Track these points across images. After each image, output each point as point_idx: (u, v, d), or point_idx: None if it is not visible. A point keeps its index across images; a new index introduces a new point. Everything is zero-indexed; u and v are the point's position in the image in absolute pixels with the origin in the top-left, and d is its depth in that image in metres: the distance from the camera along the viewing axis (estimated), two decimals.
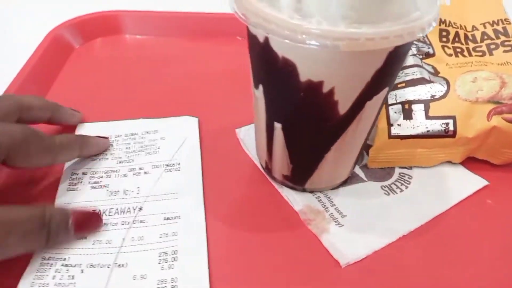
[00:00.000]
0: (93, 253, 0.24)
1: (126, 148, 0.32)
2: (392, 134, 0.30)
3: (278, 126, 0.25)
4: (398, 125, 0.30)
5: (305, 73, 0.21)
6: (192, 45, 0.45)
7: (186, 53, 0.44)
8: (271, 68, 0.22)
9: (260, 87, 0.25)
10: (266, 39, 0.21)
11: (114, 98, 0.37)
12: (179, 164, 0.31)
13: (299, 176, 0.28)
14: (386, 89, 0.24)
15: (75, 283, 0.23)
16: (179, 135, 0.33)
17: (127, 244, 0.25)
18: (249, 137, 0.33)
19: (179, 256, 0.25)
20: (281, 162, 0.28)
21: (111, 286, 0.23)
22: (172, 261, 0.24)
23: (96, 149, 0.31)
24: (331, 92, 0.22)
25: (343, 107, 0.23)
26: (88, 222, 0.26)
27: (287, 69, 0.21)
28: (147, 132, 0.33)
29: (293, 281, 0.24)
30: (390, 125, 0.30)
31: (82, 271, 0.23)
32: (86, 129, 0.33)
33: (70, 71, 0.40)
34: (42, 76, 0.38)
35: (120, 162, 0.31)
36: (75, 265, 0.24)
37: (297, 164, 0.27)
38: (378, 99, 0.23)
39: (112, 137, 0.33)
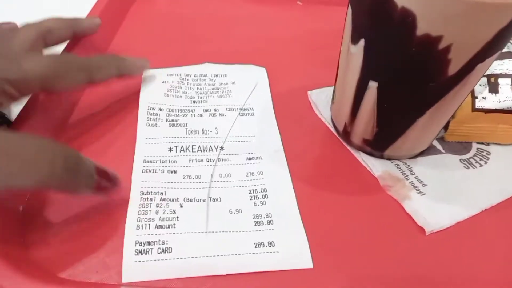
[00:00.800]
0: (186, 187, 0.25)
1: (198, 88, 0.32)
2: (476, 107, 0.29)
3: (373, 85, 0.24)
4: (483, 98, 0.29)
5: (424, 27, 0.20)
6: (252, 7, 0.44)
7: (248, 14, 0.43)
8: (383, 20, 0.21)
9: (361, 42, 0.24)
10: None
11: (176, 49, 0.37)
12: (252, 110, 0.31)
13: (382, 141, 0.27)
14: (498, 53, 0.22)
15: (178, 217, 0.23)
16: (249, 81, 0.33)
17: (216, 180, 0.26)
18: (321, 100, 0.32)
19: (268, 194, 0.25)
20: (366, 125, 0.27)
21: (211, 218, 0.24)
22: (263, 198, 0.25)
23: (134, 68, 0.31)
24: (447, 49, 0.21)
25: (454, 67, 0.22)
26: (107, 177, 0.23)
27: (404, 21, 0.20)
28: (216, 75, 0.33)
29: (377, 244, 0.24)
30: (474, 97, 0.29)
31: (181, 205, 0.24)
32: (152, 74, 0.33)
33: (132, 23, 0.40)
34: (106, 25, 0.37)
35: (193, 101, 0.31)
36: (173, 199, 0.24)
37: (384, 129, 0.26)
38: (488, 62, 0.22)
39: (181, 75, 0.33)
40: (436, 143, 0.30)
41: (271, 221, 0.24)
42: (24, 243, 0.22)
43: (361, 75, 0.25)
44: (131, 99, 0.31)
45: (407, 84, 0.23)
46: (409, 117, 0.25)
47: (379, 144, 0.28)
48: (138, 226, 0.23)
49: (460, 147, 0.30)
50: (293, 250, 0.23)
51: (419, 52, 0.21)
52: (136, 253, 0.22)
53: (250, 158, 0.28)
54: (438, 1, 0.19)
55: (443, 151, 0.30)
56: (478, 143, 0.31)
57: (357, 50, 0.24)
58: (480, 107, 0.29)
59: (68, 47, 0.32)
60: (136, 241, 0.22)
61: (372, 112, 0.26)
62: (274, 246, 0.23)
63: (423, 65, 0.22)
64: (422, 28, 0.20)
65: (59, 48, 0.32)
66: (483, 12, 0.19)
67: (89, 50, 0.34)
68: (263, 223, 0.24)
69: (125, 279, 0.21)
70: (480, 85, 0.29)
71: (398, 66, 0.23)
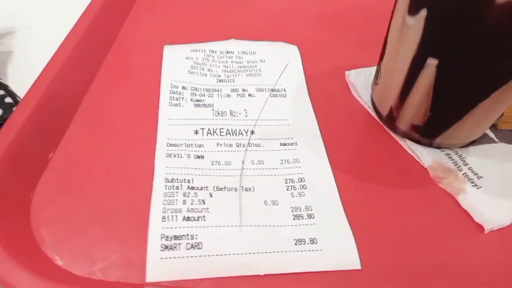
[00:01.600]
0: (215, 175, 0.22)
1: (224, 66, 0.29)
2: None
3: (432, 63, 0.21)
4: None
5: None
6: None
7: None
8: None
9: (422, 12, 0.20)
10: None
11: (199, 23, 0.34)
12: (284, 90, 0.28)
13: (435, 127, 0.24)
14: None
15: (207, 208, 0.21)
16: (280, 59, 0.30)
17: (248, 167, 0.23)
18: (360, 81, 0.29)
19: (307, 184, 0.23)
20: (417, 109, 0.24)
21: (245, 210, 0.21)
22: (301, 189, 0.22)
23: None
24: None
25: None
26: None
27: None
28: (244, 52, 0.30)
29: (431, 242, 0.21)
30: None
31: (210, 195, 0.21)
32: (174, 50, 0.30)
33: None
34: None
35: (219, 80, 0.28)
36: (201, 187, 0.21)
37: (439, 113, 0.23)
38: None
39: (206, 51, 0.30)
40: (488, 131, 0.27)
41: (312, 215, 0.21)
42: (36, 239, 0.20)
43: (418, 51, 0.22)
44: (152, 77, 0.28)
45: (474, 62, 0.20)
46: (471, 101, 0.22)
47: (430, 130, 0.25)
48: (164, 218, 0.20)
49: None
50: (338, 249, 0.20)
51: (497, 22, 0.18)
52: (162, 249, 0.19)
53: (285, 144, 0.25)
54: None
55: (496, 139, 0.27)
56: None
57: (416, 22, 0.21)
58: None
59: (84, 17, 0.29)
60: (162, 234, 0.20)
61: (427, 94, 0.23)
62: (316, 243, 0.20)
63: (499, 39, 0.19)
64: None
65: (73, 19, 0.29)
66: None
67: (106, 20, 0.31)
68: (302, 216, 0.21)
69: (150, 278, 0.18)
70: None
71: (468, 41, 0.20)
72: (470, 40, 0.20)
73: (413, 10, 0.21)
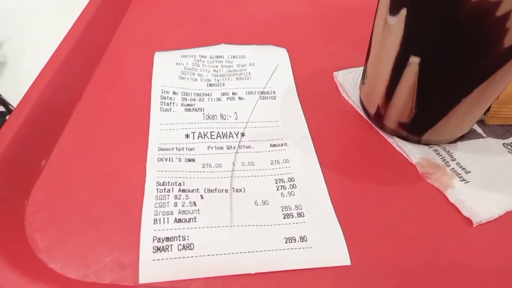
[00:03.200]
0: (206, 177, 0.23)
1: (214, 71, 0.30)
2: None
3: (414, 61, 0.22)
4: None
5: None
6: None
7: None
8: None
9: (402, 11, 0.21)
10: None
11: (189, 29, 0.34)
12: (274, 93, 0.29)
13: (421, 124, 0.25)
14: None
15: (198, 210, 0.21)
16: (270, 62, 0.31)
17: (239, 169, 0.23)
18: (348, 81, 0.30)
19: (297, 183, 0.23)
20: (403, 107, 0.24)
21: (236, 211, 0.21)
22: (291, 188, 0.23)
23: None
24: (505, 17, 0.18)
25: (510, 38, 0.19)
26: None
27: None
28: (234, 56, 0.31)
29: (420, 237, 0.22)
30: None
31: (201, 197, 0.22)
32: (164, 56, 0.30)
33: (142, 1, 0.37)
34: (114, 4, 0.35)
35: (210, 85, 0.29)
36: (192, 190, 0.22)
37: (424, 110, 0.24)
38: None
39: (196, 56, 0.30)
40: (476, 127, 0.28)
41: (302, 214, 0.22)
42: (30, 243, 0.20)
43: (401, 50, 0.22)
44: (143, 83, 0.28)
45: (454, 59, 0.21)
46: (454, 97, 0.23)
47: (417, 127, 0.25)
48: (155, 220, 0.21)
49: (502, 131, 0.28)
50: (328, 246, 0.21)
51: (472, 21, 0.19)
52: (154, 251, 0.19)
53: (275, 145, 0.25)
54: None
55: (484, 134, 0.27)
56: None
57: (397, 22, 0.22)
58: None
59: (77, 26, 0.30)
60: (154, 237, 0.20)
61: (411, 92, 0.23)
62: (306, 241, 0.21)
63: (476, 36, 0.19)
64: None
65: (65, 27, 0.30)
66: None
67: (97, 28, 0.31)
68: (292, 215, 0.22)
69: (143, 279, 0.19)
70: None
71: (446, 38, 0.20)
72: (448, 38, 0.20)
73: (393, 9, 0.22)
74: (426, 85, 0.23)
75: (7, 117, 0.24)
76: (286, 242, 0.20)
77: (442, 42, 0.20)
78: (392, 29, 0.22)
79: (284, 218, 0.22)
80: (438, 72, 0.22)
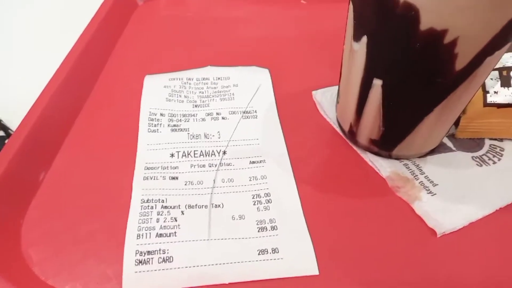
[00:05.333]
0: (187, 194, 0.25)
1: (200, 92, 0.32)
2: (488, 101, 0.28)
3: (377, 83, 0.24)
4: (495, 92, 0.28)
5: (428, 21, 0.19)
6: (255, 8, 0.43)
7: (251, 15, 0.42)
8: (385, 15, 0.21)
9: (364, 39, 0.23)
10: None
11: (179, 53, 0.36)
12: (255, 112, 0.30)
13: (390, 141, 0.26)
14: (508, 45, 0.21)
15: (178, 225, 0.23)
16: (252, 83, 0.33)
17: (219, 185, 0.25)
18: (326, 99, 0.32)
19: (272, 198, 0.25)
20: (372, 125, 0.26)
21: (213, 225, 0.23)
22: (267, 203, 0.24)
23: None
24: (453, 43, 0.20)
25: (461, 62, 0.21)
26: None
27: (407, 15, 0.19)
28: (219, 78, 0.33)
29: (386, 248, 0.23)
30: (486, 92, 0.28)
31: (182, 213, 0.23)
32: (153, 79, 0.33)
33: (134, 28, 0.39)
34: (108, 32, 0.37)
35: (195, 106, 0.31)
36: (174, 206, 0.24)
37: (391, 127, 0.25)
38: (497, 55, 0.21)
39: (183, 79, 0.33)
40: (446, 141, 0.29)
41: (275, 227, 0.23)
42: (22, 256, 0.22)
43: (365, 73, 0.24)
44: (132, 105, 0.30)
45: (412, 81, 0.22)
46: (416, 115, 0.24)
47: (386, 143, 0.27)
48: (138, 235, 0.22)
49: (472, 144, 0.29)
50: (298, 257, 0.22)
51: (424, 47, 0.20)
52: (136, 263, 0.21)
53: (254, 162, 0.27)
54: None
55: (454, 148, 0.29)
56: (490, 139, 0.29)
57: (360, 48, 0.23)
58: (492, 102, 0.28)
59: (73, 53, 0.32)
60: (136, 250, 0.22)
61: (378, 111, 0.25)
62: (278, 252, 0.22)
63: (429, 60, 0.21)
64: (426, 22, 0.19)
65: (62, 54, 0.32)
66: (490, 2, 0.18)
67: (92, 55, 0.34)
68: (266, 229, 0.23)
69: None
70: (492, 79, 0.28)
71: (403, 62, 0.22)
72: (404, 62, 0.22)
73: (356, 37, 0.23)
74: (389, 105, 0.24)
75: (6, 141, 0.26)
76: (259, 254, 0.22)
77: (400, 66, 0.22)
78: (356, 54, 0.24)
79: (258, 231, 0.23)
80: (399, 93, 0.23)
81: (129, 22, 0.40)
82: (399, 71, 0.22)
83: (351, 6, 0.24)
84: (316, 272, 0.22)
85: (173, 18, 0.41)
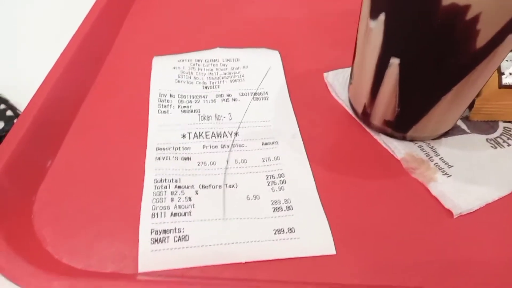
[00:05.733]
0: (201, 174, 0.24)
1: (209, 74, 0.31)
2: (503, 83, 0.27)
3: (395, 62, 0.23)
4: (510, 74, 0.27)
5: None
6: None
7: None
8: None
9: (381, 16, 0.22)
10: None
11: (186, 34, 0.36)
12: (266, 93, 0.30)
13: (405, 122, 0.26)
14: None
15: (193, 204, 0.23)
16: (262, 64, 0.32)
17: (232, 166, 0.25)
18: (337, 81, 0.31)
19: (286, 179, 0.25)
20: (387, 105, 0.26)
21: (228, 205, 0.23)
22: (281, 184, 0.24)
23: None
24: (475, 19, 0.19)
25: (482, 39, 0.20)
26: None
27: None
28: (228, 60, 0.33)
29: (402, 228, 0.23)
30: (500, 73, 0.27)
31: (196, 192, 0.23)
32: (162, 60, 0.32)
33: (140, 8, 0.39)
34: (114, 12, 0.36)
35: (205, 87, 0.30)
36: (188, 186, 0.23)
37: (406, 108, 0.25)
38: None
39: (192, 60, 0.32)
40: (460, 123, 0.29)
41: (290, 207, 0.23)
42: (37, 235, 0.22)
43: (382, 52, 0.24)
44: (142, 87, 0.30)
45: (431, 60, 0.22)
46: (433, 95, 0.24)
47: (401, 125, 0.26)
48: (153, 214, 0.22)
49: (486, 126, 0.29)
50: (315, 236, 0.22)
51: (445, 24, 0.20)
52: (152, 242, 0.21)
53: (266, 143, 0.27)
54: None
55: (468, 130, 0.28)
56: (505, 121, 0.29)
57: (377, 26, 0.23)
58: (507, 84, 0.27)
59: (79, 33, 0.32)
60: (151, 229, 0.22)
61: (394, 91, 0.24)
62: (294, 232, 0.22)
63: (449, 38, 0.21)
64: None
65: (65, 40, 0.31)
66: None
67: (99, 35, 0.33)
68: (282, 209, 0.23)
69: (142, 268, 0.20)
70: (507, 60, 0.28)
71: (422, 40, 0.21)
72: (424, 40, 0.21)
73: (373, 14, 0.23)
74: (406, 85, 0.24)
75: (15, 120, 0.26)
76: (275, 233, 0.22)
77: (419, 44, 0.22)
78: (373, 32, 0.23)
79: (273, 211, 0.23)
80: (417, 72, 0.23)
81: (135, 2, 0.39)
82: (418, 49, 0.22)
83: None
84: (333, 252, 0.22)
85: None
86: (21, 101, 0.28)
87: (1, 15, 0.40)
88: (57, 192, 0.24)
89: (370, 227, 0.23)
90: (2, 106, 0.26)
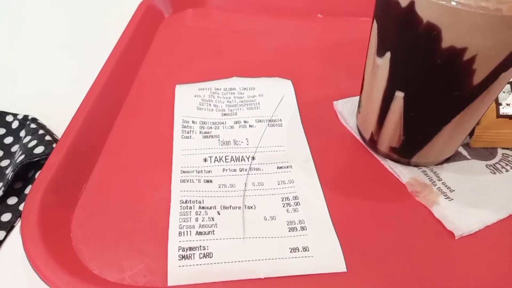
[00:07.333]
0: (222, 196, 0.27)
1: (228, 101, 0.34)
2: (500, 113, 0.29)
3: (399, 95, 0.26)
4: (507, 104, 0.30)
5: (450, 39, 0.21)
6: (275, 22, 0.46)
7: (272, 29, 0.44)
8: (409, 34, 0.23)
9: (387, 54, 0.25)
10: (411, 3, 0.21)
11: (205, 63, 0.39)
12: (280, 120, 0.33)
13: (409, 149, 0.28)
14: None
15: (216, 224, 0.25)
16: (276, 93, 0.35)
17: (250, 188, 0.27)
18: (346, 109, 0.34)
19: (300, 201, 0.27)
20: (393, 134, 0.28)
21: (248, 225, 0.25)
22: (295, 205, 0.26)
23: None
24: (471, 60, 0.22)
25: (478, 77, 0.23)
26: None
27: (429, 35, 0.21)
28: (245, 88, 0.35)
29: (407, 248, 0.25)
30: (498, 104, 0.30)
31: (218, 213, 0.25)
32: (184, 89, 0.35)
33: (162, 39, 0.42)
34: (139, 43, 0.39)
35: (224, 114, 0.33)
36: (210, 207, 0.26)
37: (410, 136, 0.27)
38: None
39: (212, 89, 0.35)
40: (461, 150, 0.31)
41: (304, 227, 0.25)
42: (76, 252, 0.24)
43: (388, 86, 0.26)
44: (166, 113, 0.33)
45: (432, 94, 0.24)
46: (435, 125, 0.26)
47: (406, 151, 0.28)
48: (180, 233, 0.24)
49: (485, 153, 0.31)
50: (327, 255, 0.24)
51: (444, 63, 0.22)
52: (179, 258, 0.23)
53: (281, 167, 0.29)
54: (464, 16, 0.20)
55: (469, 157, 0.31)
56: (503, 148, 0.31)
57: (383, 62, 0.25)
58: (504, 113, 0.29)
59: (107, 66, 0.34)
60: (179, 247, 0.24)
61: (399, 121, 0.27)
62: (308, 251, 0.24)
63: (448, 75, 0.23)
64: (447, 40, 0.21)
65: (96, 67, 0.34)
66: (508, 24, 0.20)
67: (126, 65, 0.36)
68: (296, 229, 0.25)
69: (171, 282, 0.22)
70: (504, 92, 0.30)
71: (424, 77, 0.24)
72: (426, 77, 0.24)
73: (380, 52, 0.25)
74: (410, 116, 0.26)
75: (54, 145, 0.28)
76: (291, 252, 0.24)
77: (422, 80, 0.24)
78: (379, 68, 0.26)
79: (289, 231, 0.25)
80: (420, 105, 0.25)
81: (157, 33, 0.42)
82: (421, 84, 0.24)
83: (375, 24, 0.26)
84: (344, 269, 0.23)
85: (198, 30, 0.44)
86: (56, 127, 0.31)
87: (38, 45, 0.43)
88: (92, 211, 0.26)
89: (378, 246, 0.25)
90: (41, 131, 0.29)
